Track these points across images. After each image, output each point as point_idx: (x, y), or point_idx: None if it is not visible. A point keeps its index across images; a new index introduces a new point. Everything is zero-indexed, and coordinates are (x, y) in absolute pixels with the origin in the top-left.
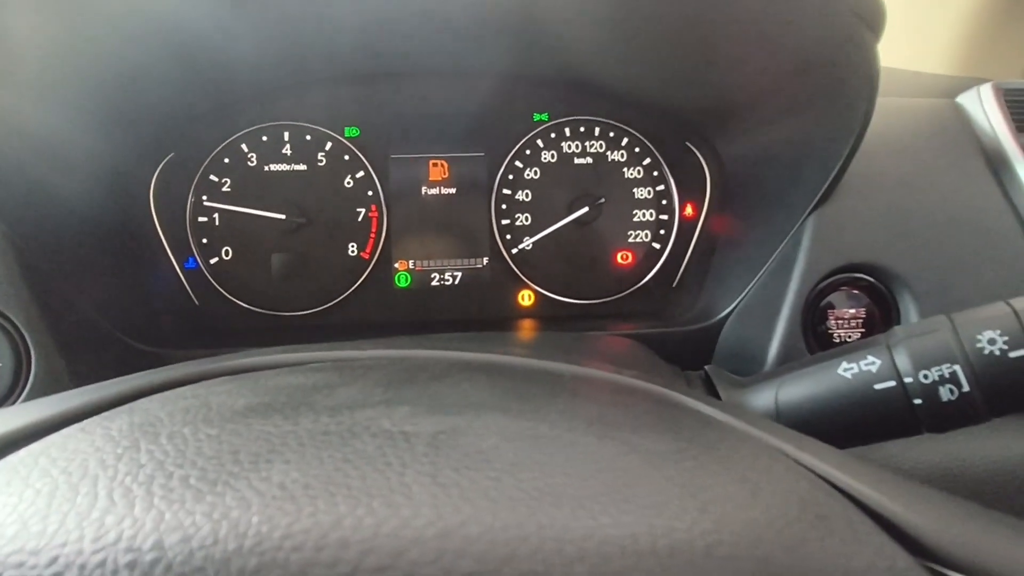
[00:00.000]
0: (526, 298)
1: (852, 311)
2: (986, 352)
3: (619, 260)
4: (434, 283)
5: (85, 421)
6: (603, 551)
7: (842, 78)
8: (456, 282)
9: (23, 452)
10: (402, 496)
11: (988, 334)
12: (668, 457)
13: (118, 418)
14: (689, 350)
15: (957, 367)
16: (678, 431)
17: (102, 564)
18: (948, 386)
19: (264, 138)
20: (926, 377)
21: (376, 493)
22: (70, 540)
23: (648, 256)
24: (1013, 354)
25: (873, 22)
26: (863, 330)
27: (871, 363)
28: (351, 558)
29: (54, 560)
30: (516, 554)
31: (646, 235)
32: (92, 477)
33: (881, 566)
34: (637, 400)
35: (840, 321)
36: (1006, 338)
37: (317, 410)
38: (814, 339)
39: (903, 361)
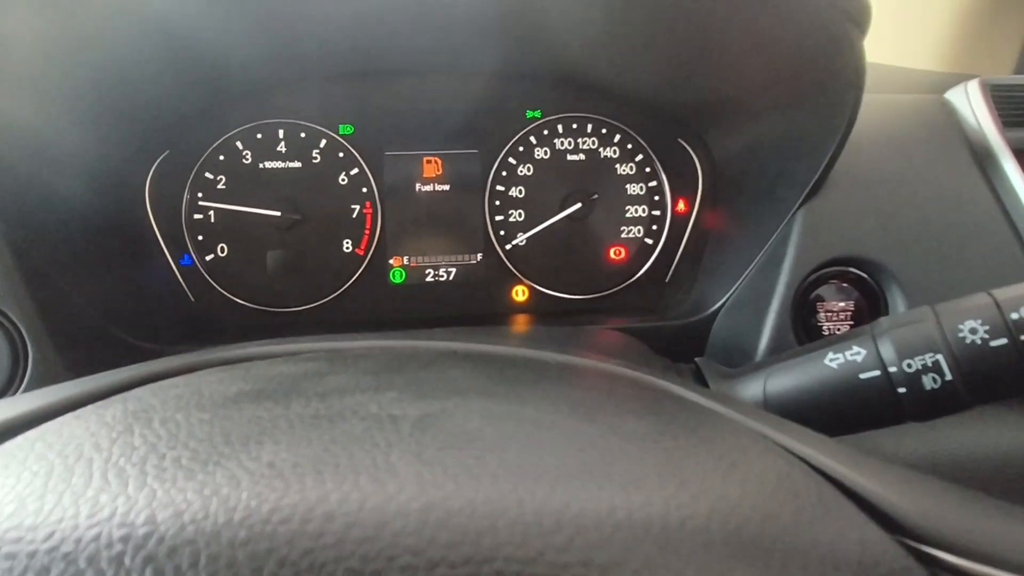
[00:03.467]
0: (520, 293)
1: (841, 304)
2: (968, 341)
3: (612, 256)
4: (428, 279)
5: (80, 410)
6: (580, 523)
7: (829, 74)
8: (450, 278)
9: (20, 439)
10: (387, 473)
11: (970, 324)
12: (648, 438)
13: (112, 406)
14: (681, 344)
15: (940, 356)
16: (659, 414)
17: (96, 538)
18: (931, 375)
19: (259, 136)
20: (910, 366)
21: (362, 470)
22: (66, 516)
23: (641, 252)
24: (994, 343)
25: (859, 18)
26: (852, 323)
27: (856, 353)
28: (337, 530)
29: (50, 535)
30: (496, 526)
31: (639, 231)
32: (87, 459)
33: (852, 538)
34: (621, 386)
35: (829, 314)
36: (987, 327)
37: (307, 396)
38: (804, 332)
39: (888, 351)
